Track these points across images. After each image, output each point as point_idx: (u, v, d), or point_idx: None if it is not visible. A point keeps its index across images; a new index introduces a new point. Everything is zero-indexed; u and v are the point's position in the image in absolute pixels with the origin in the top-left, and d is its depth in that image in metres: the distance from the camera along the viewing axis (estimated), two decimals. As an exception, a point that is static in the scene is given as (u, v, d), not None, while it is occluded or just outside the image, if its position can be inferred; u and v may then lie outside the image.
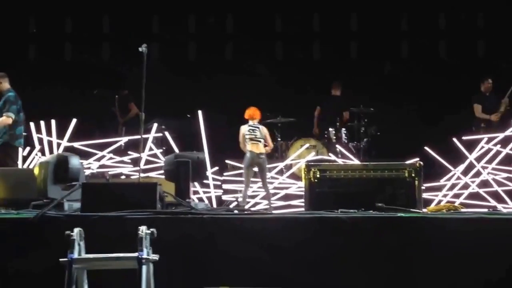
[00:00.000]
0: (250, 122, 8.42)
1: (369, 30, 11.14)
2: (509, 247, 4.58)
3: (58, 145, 8.96)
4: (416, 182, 5.73)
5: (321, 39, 11.25)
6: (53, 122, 9.02)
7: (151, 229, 4.29)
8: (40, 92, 10.38)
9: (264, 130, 8.47)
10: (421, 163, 6.15)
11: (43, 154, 8.67)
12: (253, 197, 8.48)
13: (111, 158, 9.03)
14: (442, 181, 8.48)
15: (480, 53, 11.04)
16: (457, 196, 8.29)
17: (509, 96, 9.20)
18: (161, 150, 9.16)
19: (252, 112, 8.47)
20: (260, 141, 8.32)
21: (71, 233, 4.16)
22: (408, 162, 6.63)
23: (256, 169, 8.23)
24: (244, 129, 8.40)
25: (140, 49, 6.47)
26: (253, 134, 8.34)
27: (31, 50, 11.19)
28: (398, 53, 11.07)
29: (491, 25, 11.01)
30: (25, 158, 8.73)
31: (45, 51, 11.17)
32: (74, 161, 5.80)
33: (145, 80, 6.43)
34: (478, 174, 8.38)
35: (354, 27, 11.25)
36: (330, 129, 9.57)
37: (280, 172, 9.00)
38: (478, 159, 8.45)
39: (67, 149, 8.86)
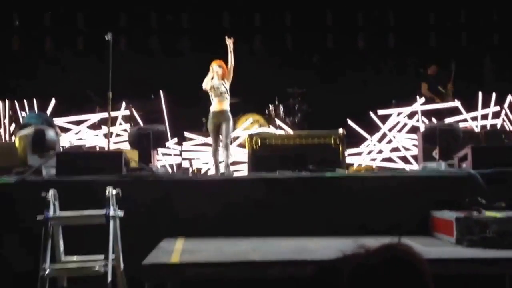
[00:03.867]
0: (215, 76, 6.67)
1: (301, 25, 11.01)
2: (408, 196, 4.61)
3: (40, 121, 8.60)
4: (340, 148, 5.68)
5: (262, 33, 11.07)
6: (34, 101, 8.70)
7: (117, 189, 4.12)
8: (23, 76, 9.95)
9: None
10: (344, 131, 6.10)
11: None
12: (207, 163, 8.32)
13: (86, 132, 8.75)
14: (361, 148, 8.49)
15: (390, 43, 11.03)
16: (373, 159, 8.32)
17: (452, 82, 9.08)
18: (129, 125, 8.90)
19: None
20: (225, 99, 6.74)
21: (47, 194, 3.97)
22: (333, 131, 6.57)
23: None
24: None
25: (106, 37, 6.20)
26: (218, 90, 6.70)
27: (15, 42, 10.69)
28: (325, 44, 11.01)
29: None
30: (11, 133, 8.37)
31: (27, 43, 10.70)
32: (50, 133, 5.55)
33: (112, 65, 6.22)
34: (390, 141, 8.42)
35: (288, 22, 11.10)
36: (270, 106, 9.46)
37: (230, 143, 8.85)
38: (390, 130, 8.49)
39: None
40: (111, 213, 3.98)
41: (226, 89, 6.81)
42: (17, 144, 5.51)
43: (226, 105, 6.80)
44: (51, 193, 4.01)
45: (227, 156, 6.46)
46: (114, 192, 4.06)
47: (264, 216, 4.66)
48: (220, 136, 6.61)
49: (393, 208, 4.57)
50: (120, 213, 4.09)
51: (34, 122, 7.74)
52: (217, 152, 6.69)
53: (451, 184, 4.68)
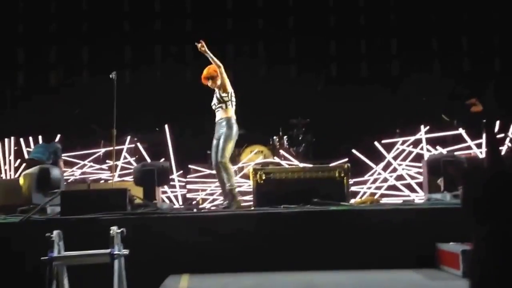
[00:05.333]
0: None
1: (306, 54, 11.12)
2: (414, 229, 4.59)
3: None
4: (345, 180, 5.67)
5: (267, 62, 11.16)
6: (40, 138, 8.78)
7: (121, 229, 4.13)
8: (29, 112, 10.06)
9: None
10: (349, 164, 6.10)
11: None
12: (211, 194, 8.33)
13: (91, 166, 8.80)
14: (366, 177, 8.49)
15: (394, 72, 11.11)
16: (378, 188, 8.30)
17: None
18: (134, 158, 8.96)
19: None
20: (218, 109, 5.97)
21: (51, 235, 3.98)
22: (338, 164, 6.59)
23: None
24: None
25: (110, 76, 6.28)
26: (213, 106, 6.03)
27: (19, 77, 10.85)
28: (330, 74, 11.10)
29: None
30: (16, 169, 8.43)
31: (32, 78, 10.85)
32: (55, 172, 5.58)
33: (116, 102, 6.29)
34: (394, 170, 8.41)
35: (293, 53, 11.21)
36: (274, 137, 9.51)
37: (234, 174, 8.86)
38: (395, 158, 8.49)
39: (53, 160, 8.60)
40: (116, 251, 3.98)
41: (219, 97, 5.99)
42: (21, 182, 5.54)
43: (220, 114, 5.96)
44: (55, 233, 4.02)
45: (226, 177, 5.70)
46: (118, 231, 4.07)
47: (269, 251, 4.65)
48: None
49: (398, 241, 4.55)
50: (125, 251, 4.09)
51: (39, 157, 7.80)
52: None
53: (456, 216, 4.65)
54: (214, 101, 6.03)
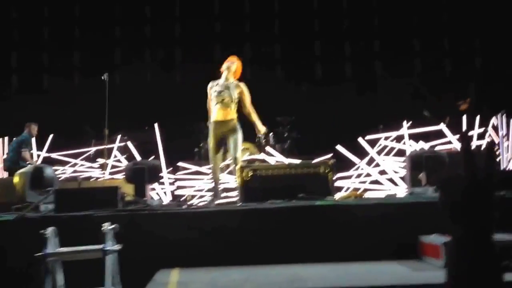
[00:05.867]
0: (222, 76, 5.89)
1: (291, 55, 11.20)
2: (396, 222, 4.66)
3: (38, 156, 8.69)
4: (329, 176, 5.74)
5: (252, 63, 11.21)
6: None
7: (114, 225, 4.19)
8: (22, 112, 10.05)
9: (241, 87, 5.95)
10: (333, 160, 6.17)
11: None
12: (200, 190, 8.37)
13: (82, 165, 8.81)
14: (350, 172, 8.57)
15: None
16: (362, 182, 8.39)
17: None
18: (124, 156, 8.97)
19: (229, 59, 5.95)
20: (230, 107, 5.94)
21: (45, 232, 4.02)
22: (322, 159, 6.66)
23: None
24: (211, 84, 6.04)
25: (102, 77, 6.32)
26: (220, 96, 5.86)
27: (13, 79, 10.84)
28: (313, 76, 11.20)
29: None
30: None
31: (26, 80, 10.84)
32: (48, 170, 5.60)
33: (108, 102, 6.32)
34: (378, 165, 8.50)
35: (278, 54, 11.28)
36: (259, 134, 9.56)
37: (220, 170, 8.90)
38: (378, 153, 8.58)
39: (46, 159, 8.62)
40: (108, 247, 4.04)
41: (232, 96, 5.95)
42: (16, 181, 5.55)
43: (232, 114, 6.00)
44: (50, 230, 4.06)
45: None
46: (110, 227, 4.13)
47: (256, 245, 4.70)
48: (227, 150, 5.90)
49: (381, 234, 4.62)
50: (117, 247, 4.14)
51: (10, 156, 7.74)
52: (218, 171, 6.14)
53: (437, 209, 4.74)
54: (225, 94, 5.95)
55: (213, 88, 6.10)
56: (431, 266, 4.24)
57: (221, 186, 6.26)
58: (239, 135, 6.08)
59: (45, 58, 11.02)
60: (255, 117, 6.26)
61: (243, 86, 6.18)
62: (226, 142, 6.09)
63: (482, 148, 8.31)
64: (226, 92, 6.03)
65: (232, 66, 6.03)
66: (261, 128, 6.30)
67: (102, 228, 4.07)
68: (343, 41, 11.23)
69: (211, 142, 6.17)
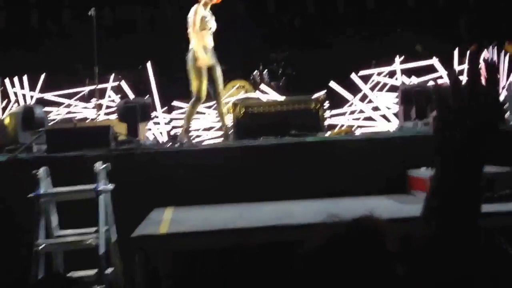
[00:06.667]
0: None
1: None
2: (386, 157, 4.65)
3: (31, 97, 8.54)
4: (320, 112, 5.67)
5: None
6: (25, 77, 8.59)
7: (106, 164, 4.13)
8: (11, 53, 9.80)
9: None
10: (324, 96, 6.08)
11: (19, 105, 8.25)
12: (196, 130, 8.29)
13: (76, 106, 8.68)
14: (344, 108, 8.48)
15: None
16: (356, 119, 8.32)
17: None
18: (118, 96, 8.83)
19: None
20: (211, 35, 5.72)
21: (37, 172, 3.97)
22: (313, 96, 6.54)
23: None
24: (201, 11, 5.67)
25: (89, 13, 6.09)
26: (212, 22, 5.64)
27: (1, 18, 10.49)
28: (306, 9, 10.88)
29: None
30: (3, 110, 8.29)
31: (13, 19, 10.49)
32: (39, 110, 5.50)
33: (99, 38, 6.15)
34: (371, 101, 8.40)
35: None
36: (255, 71, 9.41)
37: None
38: (371, 89, 8.46)
39: (39, 100, 8.48)
40: (101, 187, 4.00)
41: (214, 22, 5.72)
42: (7, 122, 5.46)
43: (212, 40, 5.77)
44: (41, 170, 4.01)
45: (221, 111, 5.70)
46: (102, 167, 4.07)
47: (249, 182, 4.69)
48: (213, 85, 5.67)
49: (371, 169, 4.61)
50: (110, 186, 4.11)
51: None
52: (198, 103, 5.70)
53: (426, 143, 4.69)
54: (213, 24, 5.74)
55: (203, 14, 5.78)
56: (418, 199, 4.24)
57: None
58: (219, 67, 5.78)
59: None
60: None
61: None
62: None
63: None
64: (213, 20, 5.79)
65: None
66: None
67: (94, 168, 4.01)
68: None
69: (202, 68, 5.66)
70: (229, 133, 5.74)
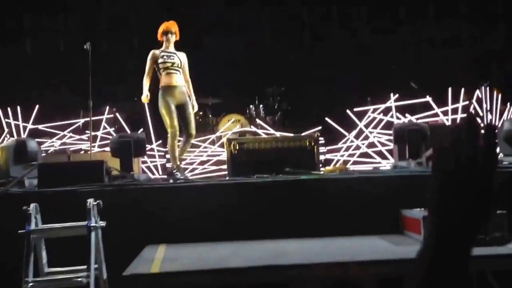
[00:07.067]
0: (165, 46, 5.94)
1: (279, 22, 10.99)
2: (379, 196, 4.63)
3: (24, 128, 8.53)
4: (315, 150, 5.68)
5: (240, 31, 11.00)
6: (18, 108, 8.60)
7: (98, 201, 4.10)
8: (5, 83, 9.82)
9: (184, 57, 6.01)
10: (318, 133, 6.11)
11: (12, 136, 8.23)
12: (191, 163, 8.29)
13: (71, 137, 8.68)
14: (339, 144, 8.53)
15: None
16: (351, 155, 8.35)
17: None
18: (113, 129, 8.85)
19: (170, 25, 5.90)
20: (178, 71, 5.94)
21: (28, 208, 3.93)
22: (308, 133, 6.58)
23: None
24: (156, 54, 5.96)
25: (84, 46, 6.14)
26: (169, 61, 5.89)
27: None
28: (302, 43, 11.02)
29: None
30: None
31: (7, 45, 10.54)
32: (32, 144, 5.47)
33: (94, 69, 6.18)
34: (366, 137, 8.46)
35: (266, 22, 11.06)
36: (251, 106, 9.47)
37: (212, 142, 8.85)
38: (366, 126, 8.53)
39: (32, 131, 8.46)
40: (92, 224, 3.96)
41: (181, 60, 5.94)
42: (-2, 155, 5.44)
43: (181, 78, 5.94)
44: (32, 206, 3.97)
45: (184, 149, 5.88)
46: (95, 203, 4.04)
47: (243, 220, 4.65)
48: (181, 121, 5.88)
49: (364, 208, 4.59)
50: (102, 223, 4.07)
51: None
52: (176, 138, 5.85)
53: (419, 182, 4.69)
54: (176, 61, 5.92)
55: (159, 55, 6.05)
56: (411, 240, 4.22)
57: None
58: (192, 109, 6.07)
59: (27, 22, 10.71)
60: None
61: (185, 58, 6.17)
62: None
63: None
64: (174, 57, 6.00)
65: (173, 37, 6.00)
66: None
67: (87, 204, 3.98)
68: (331, 6, 11.03)
69: (165, 107, 5.97)
70: (174, 172, 5.81)
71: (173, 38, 6.00)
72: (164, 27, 6.02)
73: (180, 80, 5.99)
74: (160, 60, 5.97)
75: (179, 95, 5.98)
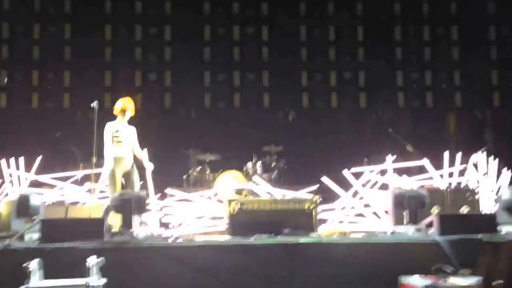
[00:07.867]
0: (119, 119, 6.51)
1: (279, 85, 11.25)
2: (378, 262, 4.67)
3: (26, 178, 8.55)
4: (314, 212, 5.75)
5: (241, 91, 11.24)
6: (21, 159, 8.64)
7: (100, 258, 4.15)
8: (10, 134, 9.94)
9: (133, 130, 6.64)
10: (318, 197, 6.19)
11: (13, 186, 8.24)
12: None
13: (70, 189, 8.67)
14: (336, 203, 8.55)
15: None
16: (347, 215, 8.36)
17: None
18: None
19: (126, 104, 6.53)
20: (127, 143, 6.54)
21: (28, 266, 3.97)
22: (307, 196, 6.65)
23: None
24: (112, 128, 6.50)
25: (92, 105, 6.29)
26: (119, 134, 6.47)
27: (2, 100, 10.72)
28: (300, 103, 11.24)
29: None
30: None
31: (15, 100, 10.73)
32: (35, 198, 5.53)
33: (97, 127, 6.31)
34: (362, 198, 8.48)
35: (266, 83, 11.32)
36: (248, 163, 9.56)
37: (209, 198, 8.86)
38: (363, 186, 8.57)
39: (33, 182, 8.49)
40: (92, 282, 3.99)
41: (130, 133, 6.61)
42: (1, 209, 5.47)
43: (131, 149, 6.61)
44: (35, 262, 4.01)
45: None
46: (95, 262, 4.08)
47: (242, 281, 4.67)
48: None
49: (363, 273, 4.63)
50: (102, 281, 4.09)
51: None
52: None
53: (418, 249, 4.76)
54: (129, 135, 6.55)
55: (115, 129, 6.68)
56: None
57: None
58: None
59: (34, 78, 10.94)
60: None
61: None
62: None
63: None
64: (127, 129, 6.65)
65: (130, 112, 6.67)
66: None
67: (87, 263, 4.02)
68: (329, 71, 11.33)
69: (117, 174, 6.61)
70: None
71: (129, 114, 6.64)
72: (123, 105, 6.63)
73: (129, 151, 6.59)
74: (118, 133, 6.57)
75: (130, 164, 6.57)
